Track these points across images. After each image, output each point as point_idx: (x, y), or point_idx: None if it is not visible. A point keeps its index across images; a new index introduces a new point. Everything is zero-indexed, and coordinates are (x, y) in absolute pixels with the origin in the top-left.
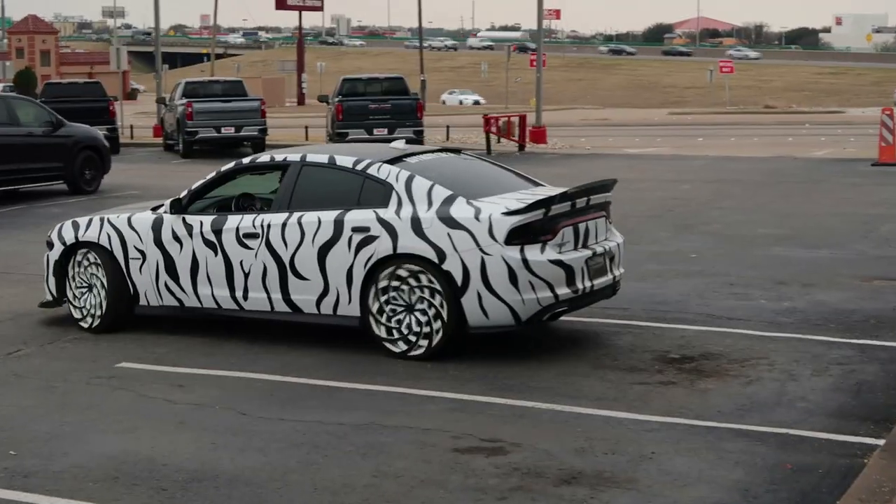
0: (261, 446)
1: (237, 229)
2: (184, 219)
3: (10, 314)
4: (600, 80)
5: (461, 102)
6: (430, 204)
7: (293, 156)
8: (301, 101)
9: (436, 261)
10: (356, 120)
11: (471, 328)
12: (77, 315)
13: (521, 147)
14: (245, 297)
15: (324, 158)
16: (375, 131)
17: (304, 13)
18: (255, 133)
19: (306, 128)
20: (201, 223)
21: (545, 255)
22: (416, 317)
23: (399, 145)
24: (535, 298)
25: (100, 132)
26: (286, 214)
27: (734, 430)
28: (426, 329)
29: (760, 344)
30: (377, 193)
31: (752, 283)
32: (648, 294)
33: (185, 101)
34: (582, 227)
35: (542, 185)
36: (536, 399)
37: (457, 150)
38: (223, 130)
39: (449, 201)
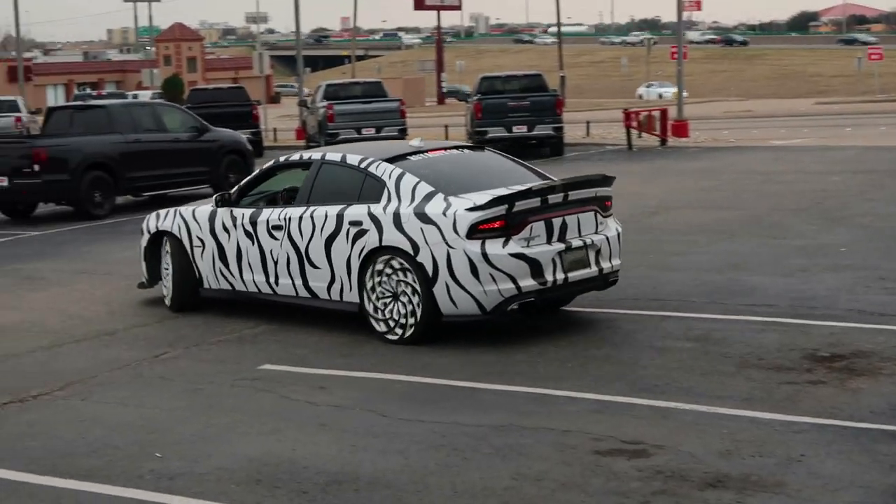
0: (401, 448)
1: (267, 221)
2: (231, 212)
3: (156, 317)
4: (744, 71)
5: (661, 96)
6: (412, 200)
7: (316, 154)
8: (441, 100)
9: (411, 253)
10: (495, 118)
11: (443, 317)
12: (164, 293)
13: (663, 141)
14: (276, 283)
15: (338, 157)
16: (515, 129)
17: (442, 12)
18: (395, 133)
19: (446, 126)
20: (243, 215)
21: (507, 248)
22: (400, 304)
23: (415, 143)
24: (497, 290)
25: (243, 136)
26: (304, 208)
27: (889, 432)
28: (408, 318)
29: None
30: (374, 190)
31: None
32: (795, 290)
33: (325, 103)
34: (557, 221)
35: (549, 179)
36: (680, 400)
37: (480, 147)
38: (364, 131)
39: (428, 197)
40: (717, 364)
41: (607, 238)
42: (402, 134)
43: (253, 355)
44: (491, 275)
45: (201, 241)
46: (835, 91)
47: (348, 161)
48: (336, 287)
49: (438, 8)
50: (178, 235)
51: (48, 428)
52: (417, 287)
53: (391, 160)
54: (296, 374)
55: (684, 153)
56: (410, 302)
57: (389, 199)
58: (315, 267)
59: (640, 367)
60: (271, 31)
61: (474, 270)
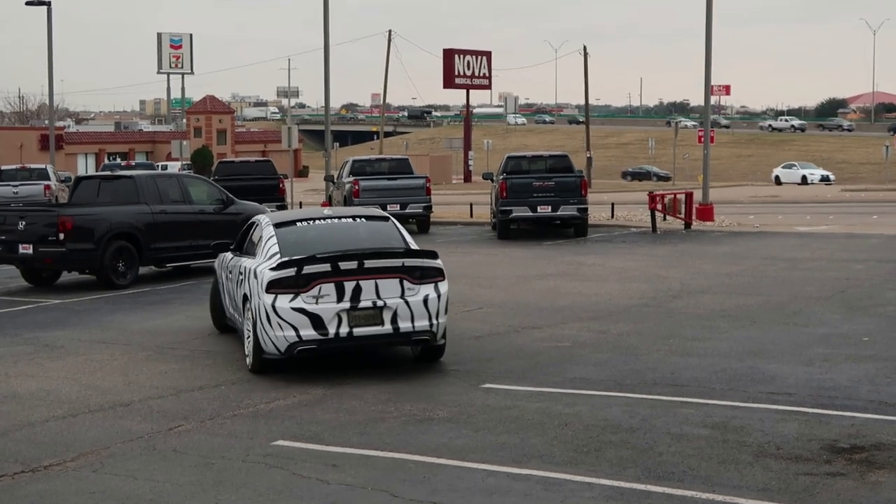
0: None
1: (228, 268)
2: (226, 257)
3: (172, 389)
4: (770, 156)
5: (805, 179)
6: (265, 258)
7: (261, 217)
8: (467, 178)
9: (249, 300)
10: (520, 197)
11: (263, 353)
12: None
13: (688, 225)
14: (240, 317)
15: (260, 218)
16: (539, 209)
17: (471, 91)
18: (420, 210)
19: (471, 205)
20: (227, 261)
21: (291, 303)
22: (247, 340)
23: (326, 211)
24: (283, 336)
25: (268, 209)
26: (237, 258)
27: None
28: (250, 352)
29: None
30: (258, 247)
31: None
32: (816, 379)
33: (352, 178)
34: (350, 284)
35: (424, 252)
36: (696, 488)
37: (382, 218)
38: (389, 208)
39: (269, 257)
40: (734, 452)
41: (407, 302)
42: (428, 211)
43: (267, 431)
44: (279, 324)
45: (220, 279)
46: (862, 178)
47: (260, 221)
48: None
49: (468, 87)
50: (217, 274)
51: (58, 499)
52: (251, 328)
53: (277, 225)
54: (309, 451)
55: (708, 237)
56: (250, 339)
57: (259, 256)
58: (236, 304)
59: (657, 454)
60: (302, 106)
61: (269, 319)
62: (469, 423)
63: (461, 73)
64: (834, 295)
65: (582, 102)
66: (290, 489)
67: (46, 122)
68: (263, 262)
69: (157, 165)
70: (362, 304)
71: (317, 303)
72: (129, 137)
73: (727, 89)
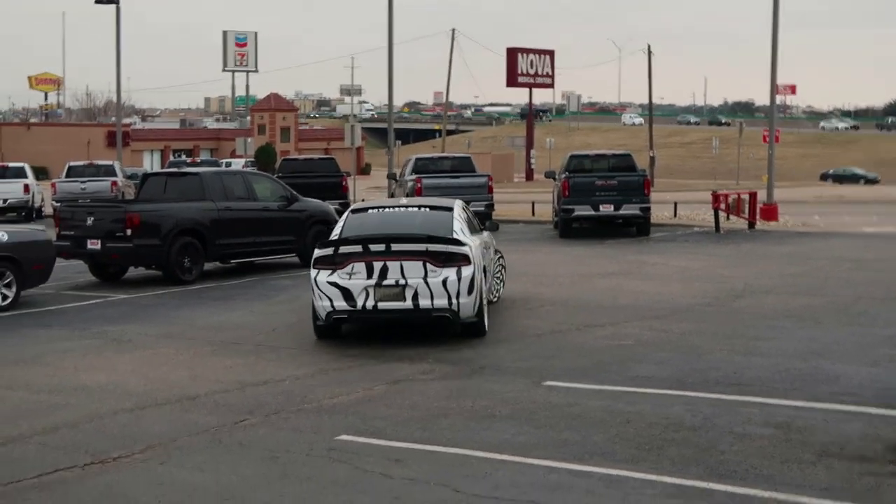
0: None
1: None
2: None
3: (237, 383)
4: (838, 156)
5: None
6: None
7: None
8: (529, 176)
9: None
10: (582, 196)
11: (317, 321)
12: None
13: (752, 225)
14: None
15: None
16: (602, 207)
17: (534, 90)
18: (482, 208)
19: (533, 203)
20: None
21: (328, 278)
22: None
23: (403, 200)
24: (322, 306)
25: (331, 207)
26: None
27: None
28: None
29: None
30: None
31: None
32: (882, 380)
33: (414, 176)
34: (378, 264)
35: (455, 239)
36: (758, 487)
37: (447, 208)
38: None
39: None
40: (797, 452)
41: (427, 283)
42: (490, 209)
43: (331, 425)
44: (319, 295)
45: None
46: None
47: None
48: None
49: (531, 85)
50: None
51: (126, 490)
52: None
53: (354, 210)
54: (373, 445)
55: (772, 237)
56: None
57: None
58: None
59: (719, 452)
60: (364, 103)
61: (314, 291)
62: (531, 420)
63: (524, 72)
64: None
65: (645, 101)
66: (354, 483)
67: (114, 118)
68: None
69: (222, 162)
70: (387, 281)
71: (349, 278)
72: (193, 134)
73: (793, 89)
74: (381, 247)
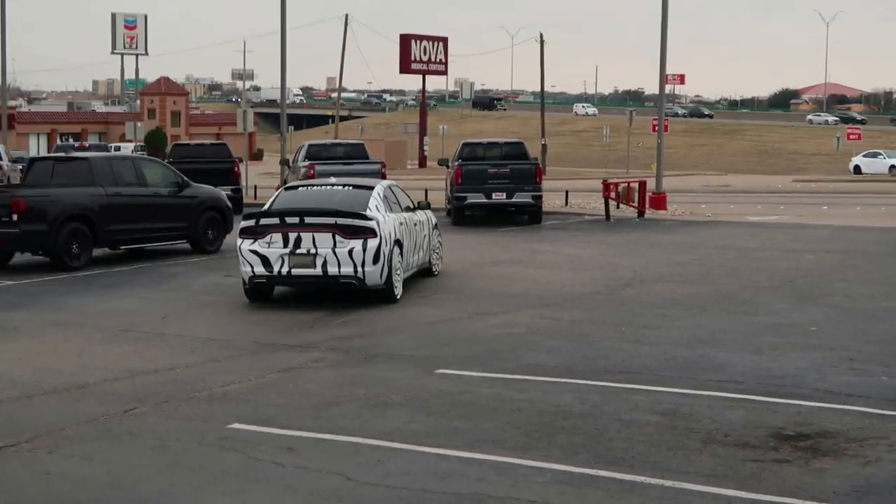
0: None
1: None
2: None
3: (128, 372)
4: (724, 146)
5: (894, 168)
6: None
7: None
8: (422, 163)
9: None
10: (475, 184)
11: (244, 285)
12: None
13: (641, 213)
14: None
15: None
16: (494, 195)
17: (427, 77)
18: None
19: (426, 190)
20: None
21: (249, 246)
22: None
23: (331, 179)
24: (245, 271)
25: (223, 193)
26: None
27: None
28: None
29: (881, 423)
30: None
31: (874, 358)
32: (764, 367)
33: (307, 163)
34: (293, 235)
35: (362, 214)
36: (645, 474)
37: (365, 187)
38: None
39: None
40: (683, 439)
41: (335, 252)
42: None
43: (222, 414)
44: (243, 261)
45: None
46: (813, 169)
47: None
48: None
49: (424, 72)
50: None
51: (12, 481)
52: None
53: (287, 188)
54: (265, 434)
55: (661, 226)
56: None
57: None
58: None
59: (607, 440)
60: (257, 89)
61: (238, 257)
62: (423, 408)
63: (417, 59)
64: (783, 285)
65: (537, 89)
66: (246, 472)
67: None
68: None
69: (111, 147)
70: (300, 250)
71: (268, 247)
72: (82, 118)
73: (682, 79)
74: (296, 219)
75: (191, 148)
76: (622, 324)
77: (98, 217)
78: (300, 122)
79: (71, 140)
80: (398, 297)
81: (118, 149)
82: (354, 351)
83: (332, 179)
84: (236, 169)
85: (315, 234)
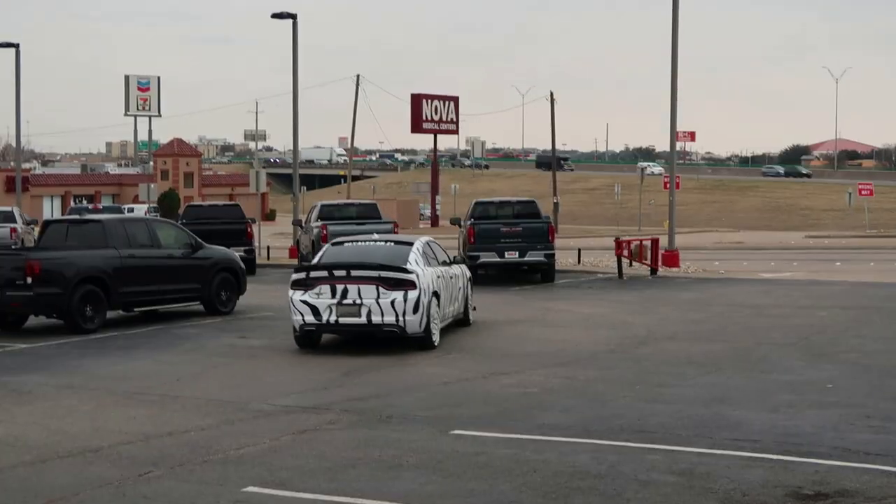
0: None
1: None
2: None
3: (142, 435)
4: (736, 203)
5: None
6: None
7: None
8: (434, 222)
9: None
10: (488, 243)
11: (294, 332)
12: None
13: (654, 271)
14: None
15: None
16: (507, 254)
17: (439, 136)
18: None
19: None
20: None
21: (300, 297)
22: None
23: (375, 236)
24: (296, 320)
25: (236, 254)
26: None
27: None
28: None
29: None
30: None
31: (891, 415)
32: (780, 426)
33: (320, 223)
34: (340, 286)
35: (403, 268)
36: None
37: (406, 242)
38: None
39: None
40: (701, 499)
41: (379, 303)
42: None
43: (237, 477)
44: (293, 310)
45: None
46: (825, 225)
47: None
48: None
49: (435, 132)
50: None
51: None
52: None
53: (334, 244)
54: (280, 497)
55: (674, 283)
56: None
57: None
58: None
59: (624, 501)
60: (269, 149)
61: (290, 307)
62: (438, 470)
63: (429, 118)
64: (798, 342)
65: (547, 147)
66: None
67: (12, 163)
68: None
69: (125, 208)
70: (346, 301)
71: (318, 297)
72: (95, 180)
73: (692, 135)
74: (343, 272)
75: (204, 209)
76: (637, 382)
77: (112, 279)
78: (312, 181)
79: (84, 202)
80: (436, 344)
81: (131, 210)
82: (369, 412)
83: (376, 235)
84: (249, 230)
85: (360, 285)
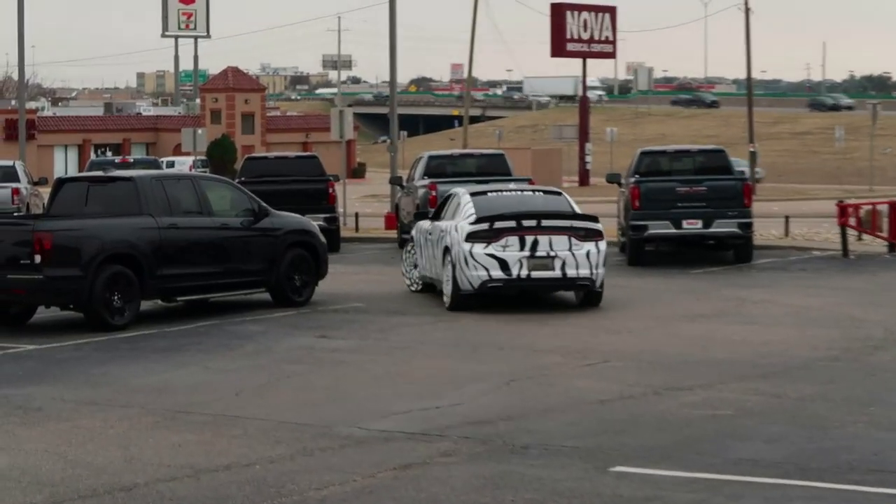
0: None
1: (428, 231)
2: (424, 224)
3: (189, 469)
4: None
5: None
6: (464, 218)
7: (458, 189)
8: (584, 180)
9: (450, 251)
10: (659, 208)
11: (461, 290)
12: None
13: (893, 246)
14: (435, 269)
15: (459, 191)
16: (685, 224)
17: (589, 60)
18: None
19: None
20: (426, 227)
21: (485, 250)
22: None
23: (511, 185)
24: (477, 275)
25: (314, 224)
26: (438, 223)
27: None
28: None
29: None
30: (458, 211)
31: None
32: None
33: (427, 181)
34: (530, 238)
35: (593, 217)
36: None
37: (555, 192)
38: None
39: (467, 217)
40: None
41: (574, 254)
42: None
43: None
44: (475, 265)
45: (414, 241)
46: None
47: (458, 193)
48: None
49: (585, 55)
50: (415, 236)
51: None
52: (450, 273)
53: (473, 194)
54: None
55: None
56: (449, 282)
57: (458, 217)
58: (434, 258)
59: None
60: (356, 81)
61: (467, 262)
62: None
63: (576, 37)
64: None
65: (740, 76)
66: None
67: (14, 102)
68: (462, 221)
69: (163, 162)
70: (538, 253)
71: (504, 250)
72: (123, 124)
73: None
74: (533, 222)
75: (269, 162)
76: (871, 402)
77: (147, 258)
78: (415, 124)
79: (109, 154)
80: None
81: (172, 165)
82: (497, 439)
83: (512, 185)
84: (331, 190)
85: (552, 236)
